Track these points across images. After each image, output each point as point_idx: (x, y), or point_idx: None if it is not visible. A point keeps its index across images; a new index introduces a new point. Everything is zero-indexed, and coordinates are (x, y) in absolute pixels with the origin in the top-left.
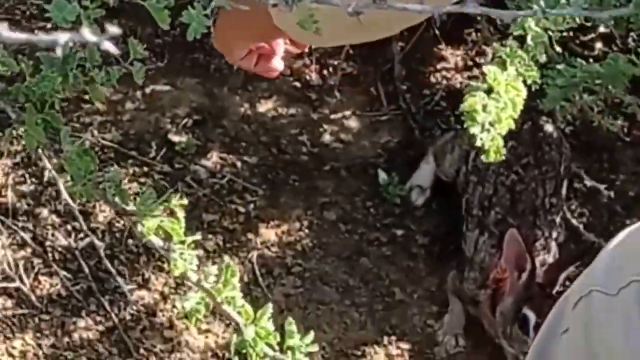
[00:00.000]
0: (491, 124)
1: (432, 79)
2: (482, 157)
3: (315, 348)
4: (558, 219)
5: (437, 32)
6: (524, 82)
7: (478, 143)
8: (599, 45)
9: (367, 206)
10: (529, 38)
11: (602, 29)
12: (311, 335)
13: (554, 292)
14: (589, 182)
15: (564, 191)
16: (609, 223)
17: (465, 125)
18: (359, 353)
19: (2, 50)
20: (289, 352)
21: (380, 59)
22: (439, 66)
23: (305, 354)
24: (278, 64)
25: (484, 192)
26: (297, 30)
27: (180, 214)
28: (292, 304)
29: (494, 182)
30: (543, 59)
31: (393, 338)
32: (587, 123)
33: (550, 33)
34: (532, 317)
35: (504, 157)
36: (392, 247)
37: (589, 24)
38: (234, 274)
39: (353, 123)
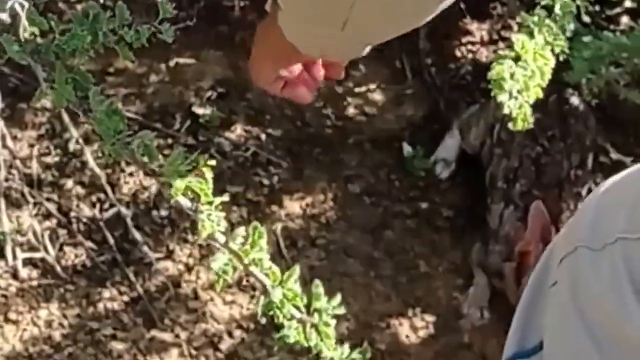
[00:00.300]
0: (519, 92)
1: (458, 53)
2: (510, 125)
3: (342, 310)
4: (584, 192)
5: (462, 5)
6: (552, 51)
7: (506, 111)
8: (625, 19)
9: (391, 179)
10: (557, 7)
11: (628, 4)
12: (338, 298)
13: None
14: (614, 156)
15: (589, 164)
16: None
17: (492, 94)
18: (384, 325)
19: (32, 8)
20: (316, 315)
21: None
22: (464, 40)
23: (332, 316)
24: (303, 92)
25: (509, 165)
26: (301, 40)
27: (208, 174)
28: (316, 275)
29: (519, 154)
30: (571, 28)
31: (418, 310)
32: (613, 96)
33: (579, 2)
34: None
35: (531, 126)
36: (417, 220)
37: None
38: (261, 235)
39: (377, 96)
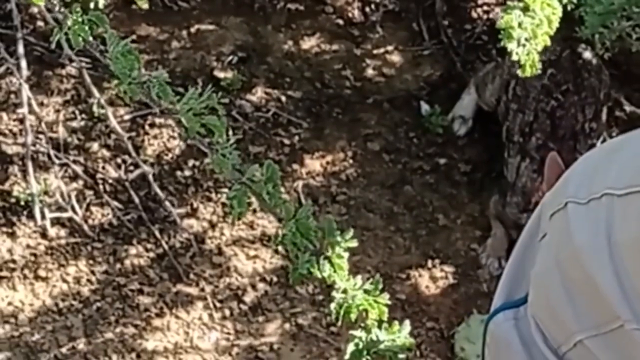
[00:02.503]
0: (527, 40)
1: (474, 14)
2: (519, 71)
3: (354, 243)
4: (598, 143)
5: None
6: (559, 0)
7: (514, 58)
8: None
9: (410, 137)
10: None
11: None
12: (351, 231)
13: None
14: (628, 108)
15: (604, 117)
16: None
17: (502, 44)
18: (404, 276)
19: None
20: (329, 248)
21: None
22: (479, 1)
23: (344, 249)
24: None
25: (525, 119)
26: None
27: (222, 111)
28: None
29: (535, 108)
30: None
31: (437, 261)
32: (625, 51)
33: None
34: None
35: (539, 72)
36: (435, 175)
37: None
38: (275, 171)
39: (395, 58)
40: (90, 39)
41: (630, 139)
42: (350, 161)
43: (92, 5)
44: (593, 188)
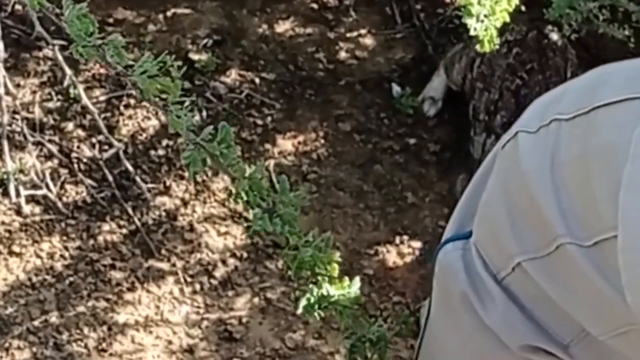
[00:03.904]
0: (486, 16)
1: None
2: (477, 46)
3: (306, 203)
4: None
5: None
6: None
7: (472, 33)
8: None
9: (380, 117)
10: None
11: None
12: (302, 190)
13: None
14: None
15: None
16: None
17: (462, 19)
18: (372, 252)
19: None
20: (281, 205)
21: None
22: None
23: (295, 207)
24: None
25: (490, 97)
26: None
27: (176, 74)
28: (307, 208)
29: (500, 87)
30: None
31: (405, 238)
32: (595, 33)
33: None
34: None
35: (497, 47)
36: (405, 155)
37: None
38: (228, 133)
39: (368, 41)
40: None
41: (579, 78)
42: (322, 141)
43: None
44: (544, 117)
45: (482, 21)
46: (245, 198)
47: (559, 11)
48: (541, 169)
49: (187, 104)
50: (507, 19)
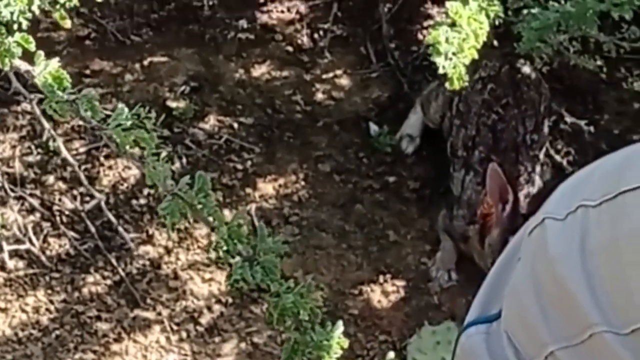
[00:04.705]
0: (454, 54)
1: (420, 36)
2: (446, 84)
3: (285, 248)
4: (541, 155)
5: None
6: (487, 15)
7: (440, 71)
8: None
9: (359, 157)
10: None
11: None
12: (281, 237)
13: None
14: (569, 119)
15: (545, 130)
16: (595, 159)
17: (431, 58)
18: (356, 292)
19: None
20: (261, 253)
21: (369, 20)
22: (425, 24)
23: (276, 254)
24: None
25: (467, 134)
26: None
27: (150, 126)
28: (291, 250)
29: (476, 123)
30: None
31: (388, 276)
32: (567, 65)
33: None
34: None
35: (470, 84)
36: (385, 193)
37: None
38: (205, 182)
39: (344, 81)
40: (18, 60)
41: (605, 159)
42: (302, 183)
43: (15, 27)
44: (570, 204)
45: (451, 59)
46: (224, 247)
47: (530, 45)
48: (570, 256)
49: (166, 152)
50: (476, 56)
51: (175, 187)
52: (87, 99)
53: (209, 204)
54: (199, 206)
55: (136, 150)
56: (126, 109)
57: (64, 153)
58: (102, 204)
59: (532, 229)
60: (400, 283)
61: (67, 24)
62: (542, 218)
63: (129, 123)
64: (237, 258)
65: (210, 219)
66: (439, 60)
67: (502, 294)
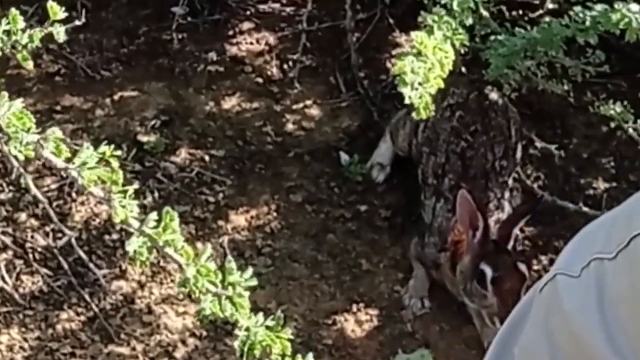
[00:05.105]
0: (420, 84)
1: (388, 64)
2: (413, 114)
3: (254, 282)
4: (510, 181)
5: (391, 20)
6: (452, 45)
7: (407, 101)
8: (547, 19)
9: (331, 186)
10: (455, 4)
11: (550, 5)
12: (250, 271)
13: (508, 247)
14: (539, 144)
15: (518, 155)
16: (565, 184)
17: (398, 88)
18: (330, 322)
19: None
20: (230, 288)
21: (337, 50)
22: (394, 52)
23: (245, 288)
24: None
25: (437, 161)
26: None
27: (115, 164)
28: (264, 282)
29: (446, 150)
30: (469, 22)
31: (362, 305)
32: (537, 90)
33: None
34: (488, 271)
35: (432, 113)
36: (357, 222)
37: (536, 1)
38: (172, 218)
39: (314, 111)
40: None
41: (613, 211)
42: (274, 214)
43: None
44: (583, 258)
45: (417, 89)
46: (193, 283)
47: (498, 71)
48: (586, 309)
49: (137, 187)
50: (442, 85)
51: (142, 224)
52: (52, 138)
53: (177, 241)
54: (167, 245)
55: (104, 187)
56: (91, 147)
57: (34, 191)
58: (73, 240)
59: (543, 286)
60: (374, 312)
61: (30, 65)
62: (554, 274)
63: (93, 161)
64: (207, 294)
65: (178, 256)
66: (405, 91)
67: (511, 354)
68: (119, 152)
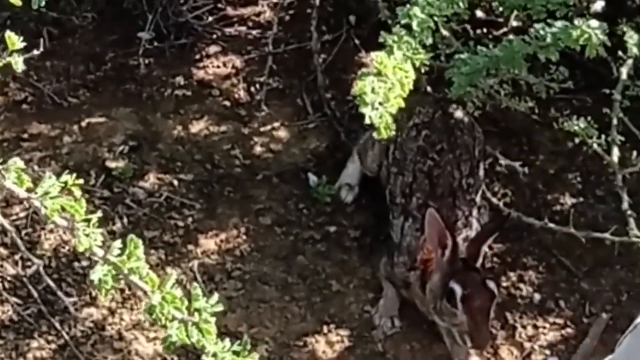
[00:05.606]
0: (381, 104)
1: (355, 85)
2: (374, 134)
3: (220, 308)
4: (477, 198)
5: (357, 41)
6: (413, 64)
7: (367, 121)
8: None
9: (300, 208)
10: (415, 24)
11: (514, 23)
12: (215, 296)
13: (477, 265)
14: (504, 162)
15: (481, 173)
16: (532, 200)
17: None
18: (301, 344)
19: None
20: (197, 314)
21: (304, 71)
22: (360, 73)
23: (211, 314)
24: None
25: (405, 181)
26: None
27: (78, 194)
28: (235, 306)
29: (413, 170)
30: (430, 41)
31: (333, 327)
32: (498, 107)
33: (437, 19)
34: (458, 290)
35: (394, 133)
36: (327, 244)
37: (501, 20)
38: (137, 246)
39: (282, 133)
40: None
41: None
42: (244, 237)
43: None
44: None
45: (377, 109)
46: (159, 310)
47: (461, 90)
48: None
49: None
50: (403, 105)
51: (106, 252)
52: (14, 169)
53: (142, 269)
54: (132, 273)
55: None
56: (54, 177)
57: (1, 220)
58: (41, 269)
59: (622, 340)
60: (345, 333)
61: None
62: (634, 326)
63: (56, 191)
64: (173, 321)
65: (143, 284)
66: (366, 111)
67: None
68: (81, 181)
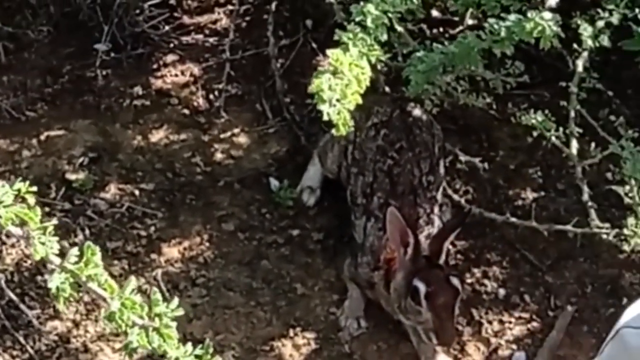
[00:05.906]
0: (338, 100)
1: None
2: (333, 131)
3: (180, 312)
4: (438, 195)
5: (314, 45)
6: (368, 60)
7: (325, 118)
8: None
9: (262, 213)
10: (369, 21)
11: (470, 21)
12: (176, 301)
13: (440, 261)
14: (464, 158)
15: (442, 170)
16: (493, 196)
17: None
18: (268, 348)
19: None
20: (157, 319)
21: (262, 77)
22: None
23: (171, 318)
24: None
25: (365, 181)
26: None
27: (32, 201)
28: (200, 312)
29: (373, 169)
30: (384, 38)
31: (298, 329)
32: (456, 104)
33: (390, 15)
34: (422, 287)
35: (351, 129)
36: (290, 247)
37: (456, 18)
38: (94, 253)
39: (242, 139)
40: None
41: None
42: (207, 244)
43: None
44: None
45: (334, 105)
46: (118, 316)
47: (418, 88)
48: None
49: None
50: (360, 101)
51: (63, 260)
52: None
53: (99, 275)
54: (90, 280)
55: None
56: (7, 185)
57: None
58: (3, 283)
59: (604, 347)
60: (311, 335)
61: None
62: (616, 331)
63: (10, 199)
64: (133, 327)
65: (102, 290)
66: (323, 108)
67: None
68: (40, 193)
